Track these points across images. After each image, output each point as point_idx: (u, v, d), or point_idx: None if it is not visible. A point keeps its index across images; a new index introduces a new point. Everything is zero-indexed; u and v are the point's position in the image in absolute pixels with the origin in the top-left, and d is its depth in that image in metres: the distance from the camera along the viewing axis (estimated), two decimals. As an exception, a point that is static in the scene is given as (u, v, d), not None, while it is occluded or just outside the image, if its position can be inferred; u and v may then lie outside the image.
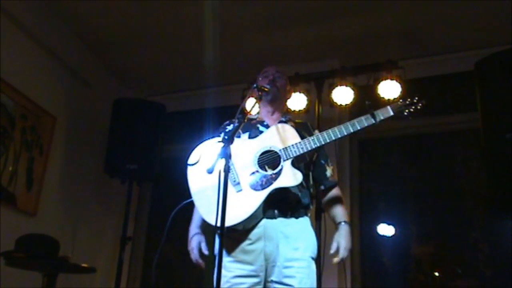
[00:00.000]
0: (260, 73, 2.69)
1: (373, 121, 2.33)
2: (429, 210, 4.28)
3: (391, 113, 2.36)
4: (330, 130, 2.35)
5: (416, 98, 2.41)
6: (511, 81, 3.02)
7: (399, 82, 3.81)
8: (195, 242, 2.46)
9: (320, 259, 3.31)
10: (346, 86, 3.92)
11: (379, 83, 3.86)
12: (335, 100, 3.97)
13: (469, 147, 4.27)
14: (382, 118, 2.35)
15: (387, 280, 4.27)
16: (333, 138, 2.34)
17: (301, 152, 2.34)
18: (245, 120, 2.42)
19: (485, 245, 4.04)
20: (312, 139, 2.35)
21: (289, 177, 2.31)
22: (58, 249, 3.08)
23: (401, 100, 2.40)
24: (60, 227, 4.16)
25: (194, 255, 2.44)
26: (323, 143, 2.35)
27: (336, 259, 2.40)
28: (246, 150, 2.40)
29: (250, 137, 2.49)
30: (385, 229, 4.31)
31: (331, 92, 3.96)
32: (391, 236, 4.30)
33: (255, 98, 2.48)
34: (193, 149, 2.46)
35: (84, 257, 4.15)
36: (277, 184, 2.30)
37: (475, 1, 3.73)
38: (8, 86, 3.75)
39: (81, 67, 4.55)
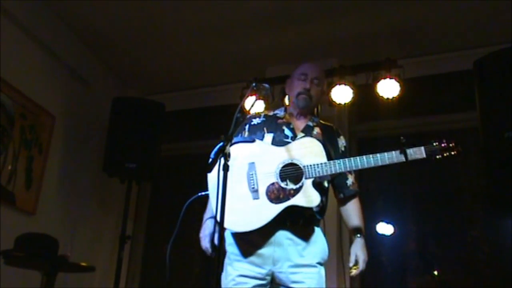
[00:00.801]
0: (299, 70, 2.67)
1: (404, 160, 2.28)
2: (428, 209, 4.28)
3: (424, 156, 2.29)
4: (358, 158, 2.31)
5: (453, 144, 2.31)
6: (510, 80, 3.02)
7: (398, 81, 3.82)
8: (209, 230, 2.43)
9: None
10: (345, 85, 3.93)
11: (378, 82, 3.87)
12: (334, 99, 3.98)
13: (468, 146, 4.26)
14: (413, 158, 2.29)
15: (386, 279, 4.27)
16: (360, 167, 2.32)
17: (325, 174, 2.31)
18: (243, 120, 2.40)
19: (485, 243, 4.04)
20: (339, 163, 2.31)
21: (308, 197, 2.28)
22: (57, 248, 3.08)
23: (436, 143, 2.32)
24: (59, 226, 4.15)
25: (205, 242, 2.41)
26: (348, 169, 2.33)
27: (354, 272, 2.41)
28: (270, 158, 2.37)
29: (274, 140, 2.47)
30: (384, 228, 4.31)
31: (330, 91, 3.96)
32: (390, 235, 4.30)
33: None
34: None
35: (83, 256, 4.15)
36: (294, 201, 2.27)
37: (474, 0, 3.73)
38: (7, 85, 3.74)
39: (80, 66, 4.55)
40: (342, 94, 3.96)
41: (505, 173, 2.95)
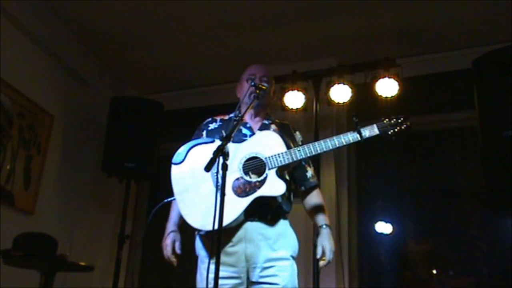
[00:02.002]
0: (247, 73, 2.68)
1: (359, 138, 2.34)
2: (426, 207, 4.28)
3: (377, 132, 2.37)
4: (316, 143, 2.36)
5: (402, 118, 2.40)
6: (508, 79, 3.03)
7: (397, 80, 3.82)
8: (170, 239, 2.46)
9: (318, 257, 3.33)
10: (344, 84, 3.93)
11: (376, 81, 3.87)
12: (332, 98, 3.98)
13: (466, 145, 4.28)
14: (367, 136, 2.36)
15: (385, 278, 4.28)
16: (319, 151, 2.36)
17: (287, 162, 2.34)
18: (242, 119, 2.41)
19: (483, 242, 4.05)
20: (298, 150, 2.36)
21: (274, 186, 2.31)
22: (56, 247, 3.08)
23: (386, 119, 2.40)
24: (58, 225, 4.15)
25: (167, 251, 2.44)
26: (308, 155, 2.36)
27: (322, 262, 2.42)
28: (231, 154, 2.35)
29: (233, 141, 2.46)
30: (383, 227, 4.31)
31: (328, 90, 3.97)
32: (389, 234, 4.31)
33: (252, 97, 2.48)
34: (178, 148, 2.47)
35: (82, 256, 4.15)
36: (261, 192, 2.29)
37: (472, 0, 3.73)
38: (6, 85, 3.73)
39: (78, 66, 4.54)
40: (340, 93, 3.95)
41: (503, 172, 2.96)
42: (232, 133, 2.17)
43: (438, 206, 4.22)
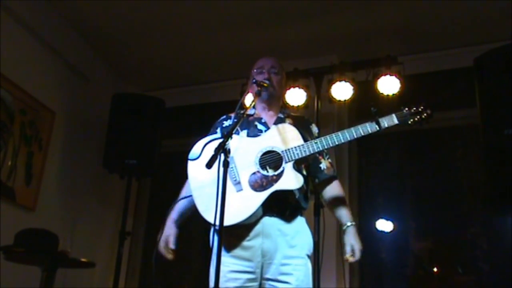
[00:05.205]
0: (255, 67, 2.64)
1: (377, 129, 2.32)
2: (428, 205, 4.28)
3: (396, 122, 2.35)
4: (334, 135, 2.34)
5: (422, 107, 2.38)
6: (510, 77, 3.02)
7: (398, 78, 3.82)
8: (164, 234, 2.43)
9: (319, 255, 3.33)
10: (345, 81, 3.92)
11: (378, 78, 3.87)
12: (334, 96, 3.97)
13: (468, 143, 4.28)
14: (386, 126, 2.34)
15: (386, 276, 4.28)
16: (336, 143, 2.33)
17: (304, 155, 2.32)
18: (244, 116, 2.40)
19: (484, 240, 4.05)
20: (315, 142, 2.33)
21: (291, 180, 2.29)
22: (57, 243, 3.08)
23: (406, 108, 2.39)
24: (59, 221, 4.16)
25: (159, 246, 2.42)
26: (326, 147, 2.34)
27: (351, 259, 2.38)
28: (247, 149, 2.37)
29: (249, 135, 2.47)
30: (384, 225, 4.32)
31: (330, 88, 3.96)
32: (390, 232, 4.31)
33: (254, 94, 2.47)
34: (194, 144, 2.44)
35: (83, 252, 4.14)
36: (278, 186, 2.28)
37: (474, -3, 3.73)
38: (7, 81, 3.74)
39: (80, 62, 4.54)
40: (342, 90, 3.95)
41: (504, 170, 2.95)
42: (234, 129, 2.14)
43: (439, 204, 4.22)
